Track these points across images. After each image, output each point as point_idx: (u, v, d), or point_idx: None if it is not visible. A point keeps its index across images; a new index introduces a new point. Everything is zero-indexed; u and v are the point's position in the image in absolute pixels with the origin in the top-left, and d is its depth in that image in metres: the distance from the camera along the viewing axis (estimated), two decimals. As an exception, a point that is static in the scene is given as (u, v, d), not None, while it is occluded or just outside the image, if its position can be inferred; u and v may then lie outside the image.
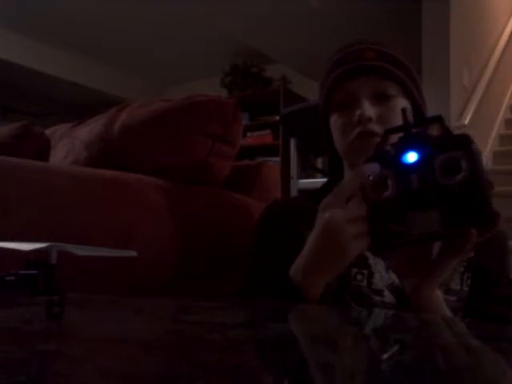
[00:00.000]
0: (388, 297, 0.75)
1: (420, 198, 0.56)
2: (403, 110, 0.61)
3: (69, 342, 0.37)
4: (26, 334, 0.39)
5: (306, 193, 1.40)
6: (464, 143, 0.56)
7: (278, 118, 4.27)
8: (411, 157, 0.57)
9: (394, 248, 0.60)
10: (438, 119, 0.61)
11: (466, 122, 3.20)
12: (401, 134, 0.60)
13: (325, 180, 0.96)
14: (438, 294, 0.67)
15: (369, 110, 0.77)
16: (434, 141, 0.57)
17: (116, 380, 0.27)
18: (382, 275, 0.76)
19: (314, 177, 2.11)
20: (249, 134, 4.55)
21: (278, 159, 4.23)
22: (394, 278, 0.76)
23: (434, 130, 0.62)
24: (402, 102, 0.79)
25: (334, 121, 0.83)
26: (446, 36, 3.20)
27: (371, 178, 0.60)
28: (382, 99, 0.79)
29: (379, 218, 0.59)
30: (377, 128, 0.77)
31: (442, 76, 3.12)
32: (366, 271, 0.76)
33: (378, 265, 0.76)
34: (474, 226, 0.55)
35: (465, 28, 3.47)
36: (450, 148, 0.56)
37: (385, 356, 0.31)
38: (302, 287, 0.65)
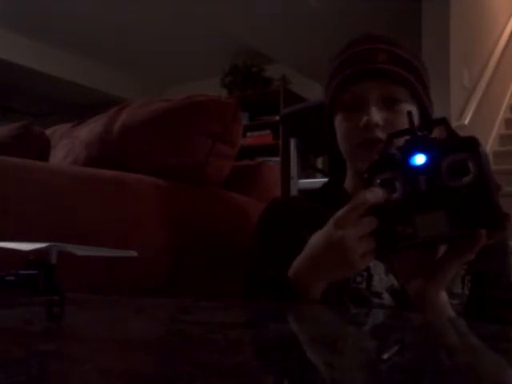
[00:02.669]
0: (387, 299, 0.75)
1: (427, 200, 0.56)
2: (409, 113, 0.61)
3: (69, 342, 0.37)
4: (26, 334, 0.39)
5: (305, 192, 1.40)
6: (471, 145, 0.56)
7: (278, 118, 4.26)
8: (419, 159, 0.57)
9: (400, 251, 0.60)
10: (443, 121, 0.60)
11: (466, 122, 3.19)
12: (405, 138, 0.60)
13: (325, 180, 0.95)
14: (444, 296, 0.67)
15: (376, 115, 0.75)
16: (441, 143, 0.57)
17: (116, 380, 0.27)
18: (382, 278, 0.76)
19: (314, 177, 2.11)
20: (249, 134, 4.55)
21: (278, 159, 4.23)
22: (393, 280, 0.75)
23: (437, 133, 0.62)
24: (409, 107, 0.77)
25: (339, 122, 0.82)
26: (446, 36, 3.20)
27: (378, 181, 0.59)
28: (389, 103, 0.77)
29: (386, 221, 0.58)
30: (383, 135, 0.75)
31: (442, 76, 3.12)
32: (365, 273, 0.75)
33: (377, 267, 0.76)
34: (482, 227, 0.55)
35: (465, 28, 3.46)
36: (458, 150, 0.56)
37: (385, 356, 0.31)
38: (302, 288, 0.65)
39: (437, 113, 0.88)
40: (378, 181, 0.60)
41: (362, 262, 0.61)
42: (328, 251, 0.63)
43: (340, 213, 0.62)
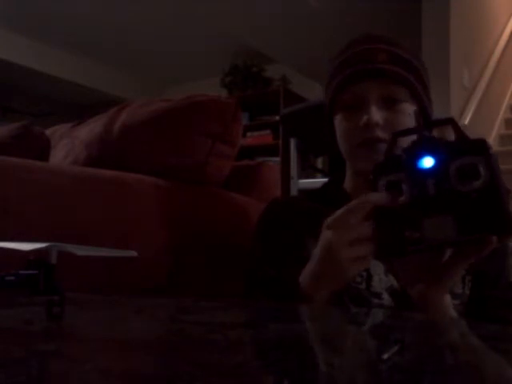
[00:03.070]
0: (387, 300, 0.75)
1: (436, 204, 0.55)
2: (416, 114, 0.60)
3: (69, 342, 0.37)
4: (26, 334, 0.39)
5: (305, 192, 1.39)
6: (481, 148, 0.54)
7: (278, 118, 4.26)
8: (427, 162, 0.56)
9: (407, 255, 0.59)
10: (450, 121, 0.60)
11: (466, 122, 3.19)
12: (410, 138, 0.59)
13: (325, 180, 0.95)
14: (448, 298, 0.66)
15: (376, 115, 0.75)
16: (449, 145, 0.56)
17: (116, 380, 0.27)
18: (381, 278, 0.76)
19: (314, 177, 2.11)
20: (249, 134, 4.55)
21: (277, 159, 4.23)
22: (392, 281, 0.75)
23: (435, 133, 0.62)
24: (409, 107, 0.77)
25: (339, 121, 0.82)
26: (446, 36, 3.20)
27: (384, 182, 0.59)
28: (389, 103, 0.77)
29: (393, 224, 0.57)
30: (383, 134, 0.75)
31: (442, 76, 3.11)
32: (364, 273, 0.75)
33: (377, 267, 0.76)
34: (491, 232, 0.54)
35: (465, 28, 3.46)
36: (467, 153, 0.55)
37: (385, 356, 0.31)
38: (308, 293, 0.65)
39: (437, 113, 0.88)
40: (384, 182, 0.59)
41: (354, 267, 0.60)
42: (321, 257, 0.62)
43: (333, 216, 0.61)
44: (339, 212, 0.60)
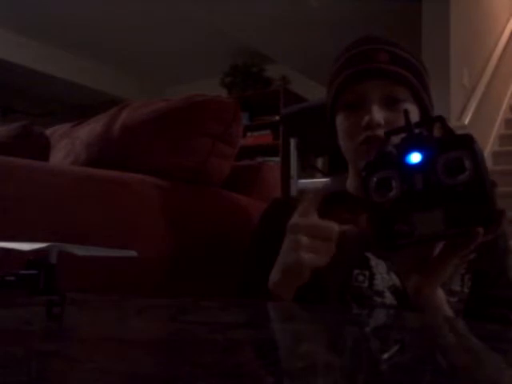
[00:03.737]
0: (389, 298, 0.75)
1: (424, 198, 0.56)
2: (405, 111, 0.61)
3: (69, 342, 0.37)
4: (26, 333, 0.39)
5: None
6: (467, 143, 0.56)
7: (278, 118, 4.27)
8: (415, 157, 0.57)
9: (398, 249, 0.60)
10: (440, 119, 0.61)
11: (466, 122, 3.19)
12: (403, 135, 0.60)
13: (325, 180, 0.96)
14: (441, 293, 0.67)
15: (378, 115, 0.76)
16: (436, 141, 0.57)
17: (116, 380, 0.27)
18: (384, 276, 0.76)
19: (313, 177, 2.11)
20: (249, 134, 4.55)
21: (278, 159, 4.23)
22: (395, 279, 0.76)
23: (437, 131, 0.63)
24: (410, 107, 0.78)
25: (341, 121, 0.82)
26: (446, 36, 3.20)
27: (375, 179, 0.60)
28: (391, 103, 0.78)
29: (384, 219, 0.59)
30: None
31: (442, 76, 3.11)
32: (367, 272, 0.75)
33: (379, 266, 0.76)
34: (478, 224, 0.55)
35: (465, 28, 3.46)
36: (453, 148, 0.56)
37: (385, 356, 0.31)
38: (276, 292, 0.68)
39: (437, 112, 0.88)
40: (375, 179, 0.60)
41: (310, 263, 0.63)
42: (283, 255, 0.67)
43: (292, 219, 0.66)
44: (295, 216, 0.66)
